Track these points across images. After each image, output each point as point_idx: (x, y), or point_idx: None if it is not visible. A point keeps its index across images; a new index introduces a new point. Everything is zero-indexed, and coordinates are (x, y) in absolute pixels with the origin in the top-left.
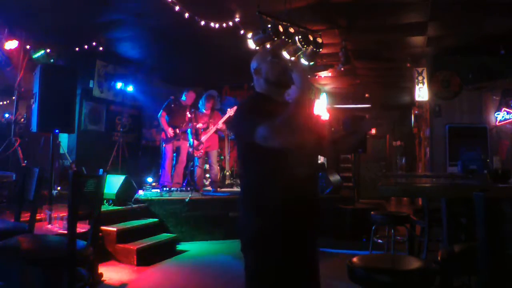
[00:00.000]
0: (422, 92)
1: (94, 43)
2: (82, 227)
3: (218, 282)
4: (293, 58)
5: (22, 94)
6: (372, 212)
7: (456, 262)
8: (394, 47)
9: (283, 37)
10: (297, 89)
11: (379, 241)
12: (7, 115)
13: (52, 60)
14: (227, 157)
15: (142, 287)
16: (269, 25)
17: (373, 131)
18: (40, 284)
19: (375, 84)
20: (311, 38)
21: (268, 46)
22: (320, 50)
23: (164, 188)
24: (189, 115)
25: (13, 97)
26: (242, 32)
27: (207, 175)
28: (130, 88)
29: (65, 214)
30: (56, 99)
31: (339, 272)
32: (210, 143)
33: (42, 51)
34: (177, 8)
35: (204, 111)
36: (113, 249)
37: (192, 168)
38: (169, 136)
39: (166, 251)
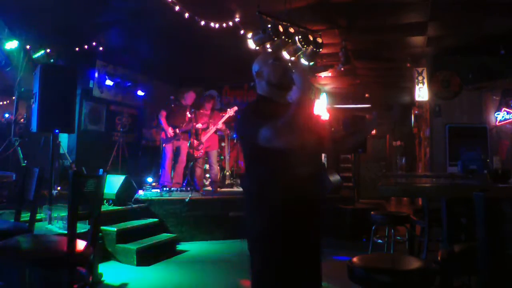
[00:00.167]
0: (422, 92)
1: (94, 43)
2: (82, 227)
3: (218, 282)
4: (293, 58)
5: (22, 94)
6: (372, 212)
7: (456, 262)
8: (394, 47)
9: (283, 37)
10: (298, 90)
11: (379, 241)
12: (7, 115)
13: (52, 60)
14: (227, 157)
15: (142, 287)
16: (269, 25)
17: (374, 131)
18: (40, 284)
19: (375, 84)
20: (311, 38)
21: (268, 46)
22: (320, 50)
23: (164, 188)
24: (189, 115)
25: (13, 97)
26: (242, 32)
27: (207, 175)
28: (130, 88)
29: (65, 214)
30: (56, 99)
31: (339, 272)
32: (210, 143)
33: (42, 51)
34: (177, 8)
35: (204, 111)
36: (113, 249)
37: (194, 168)
38: (169, 136)
39: (166, 251)
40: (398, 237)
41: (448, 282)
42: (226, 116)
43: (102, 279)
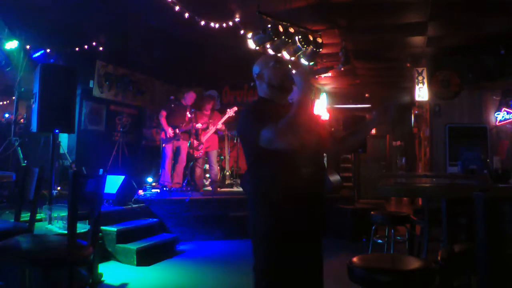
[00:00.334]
0: (422, 92)
1: (94, 43)
2: (82, 227)
3: (218, 282)
4: (293, 58)
5: (22, 94)
6: (372, 212)
7: (456, 262)
8: (394, 47)
9: (283, 37)
10: (298, 91)
11: (379, 241)
12: (7, 115)
13: (52, 60)
14: (227, 157)
15: (142, 287)
16: (269, 25)
17: (373, 130)
18: (40, 284)
19: (375, 84)
20: (311, 38)
21: (268, 46)
22: (320, 50)
23: (164, 188)
24: (189, 115)
25: (13, 97)
26: (242, 32)
27: (207, 175)
28: (130, 88)
29: (65, 214)
30: (56, 99)
31: (339, 272)
32: (210, 143)
33: (42, 51)
34: (177, 8)
35: (204, 111)
36: (113, 249)
37: (194, 168)
38: (168, 136)
39: (166, 251)
40: (398, 237)
41: (448, 282)
42: (226, 116)
43: (102, 279)
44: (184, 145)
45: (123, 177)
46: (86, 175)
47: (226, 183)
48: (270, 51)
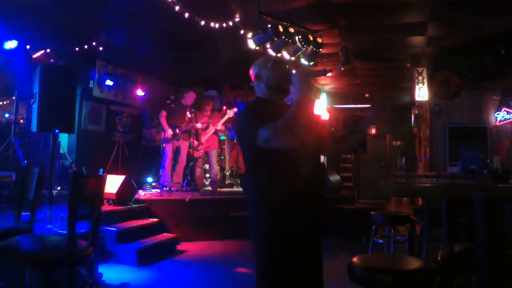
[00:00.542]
0: (422, 92)
1: (94, 43)
2: (82, 227)
3: (218, 282)
4: (293, 58)
5: (22, 94)
6: (372, 212)
7: (456, 262)
8: (394, 47)
9: (283, 37)
10: (297, 92)
11: (379, 241)
12: (7, 115)
13: (52, 60)
14: (227, 157)
15: (142, 287)
16: (269, 25)
17: (373, 130)
18: (40, 284)
19: (375, 84)
20: (311, 38)
21: (268, 46)
22: (320, 50)
23: (164, 188)
24: (189, 115)
25: (13, 97)
26: (242, 32)
27: (207, 175)
28: (130, 88)
29: (65, 214)
30: (56, 99)
31: (339, 272)
32: (209, 143)
33: (42, 51)
34: (177, 8)
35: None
36: (113, 249)
37: (194, 168)
38: (167, 137)
39: (166, 251)
40: (398, 237)
41: (448, 282)
42: (226, 117)
43: (102, 279)
44: (184, 145)
45: (123, 177)
46: (86, 175)
47: (226, 183)
48: (270, 51)
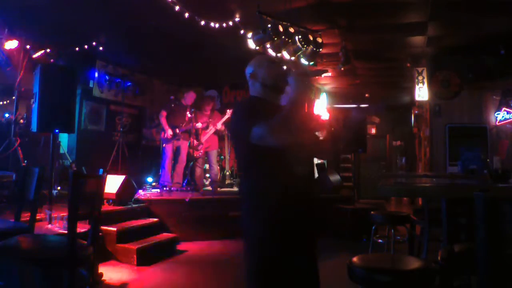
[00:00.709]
0: (422, 92)
1: (94, 43)
2: (82, 227)
3: (218, 282)
4: (293, 58)
5: (22, 94)
6: (372, 212)
7: (456, 262)
8: (394, 47)
9: (283, 37)
10: (292, 91)
11: (379, 241)
12: (7, 115)
13: (52, 60)
14: (227, 157)
15: (142, 287)
16: (269, 25)
17: (373, 130)
18: (40, 284)
19: (375, 84)
20: (311, 38)
21: (268, 46)
22: (320, 50)
23: (164, 188)
24: (189, 115)
25: (13, 97)
26: (242, 32)
27: (207, 175)
28: (130, 88)
29: (65, 214)
30: (56, 99)
31: (339, 272)
32: (209, 143)
33: (42, 51)
34: (177, 8)
35: (204, 112)
36: (113, 249)
37: (194, 168)
38: (167, 137)
39: (166, 251)
40: (398, 237)
41: (448, 282)
42: (226, 117)
43: (102, 279)
44: (184, 145)
45: (123, 177)
46: (86, 175)
47: (226, 183)
48: (270, 51)
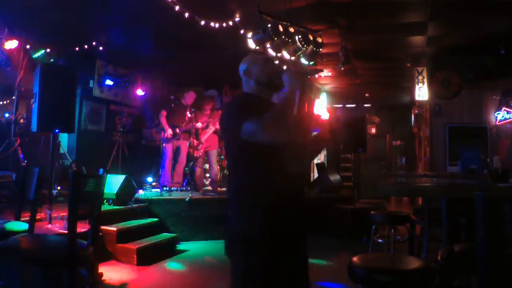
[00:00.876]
0: (422, 92)
1: (94, 43)
2: (82, 227)
3: (218, 282)
4: (293, 58)
5: (22, 94)
6: (372, 212)
7: (456, 261)
8: (394, 46)
9: (283, 36)
10: (286, 89)
11: (379, 240)
12: (7, 115)
13: (52, 60)
14: None
15: (142, 286)
16: (269, 25)
17: (373, 130)
18: (40, 284)
19: (375, 84)
20: (311, 38)
21: (268, 46)
22: (320, 49)
23: (164, 188)
24: (189, 115)
25: (13, 97)
26: (242, 31)
27: (207, 175)
28: (130, 88)
29: (65, 213)
30: (56, 99)
31: (339, 272)
32: (209, 143)
33: (42, 51)
34: (177, 8)
35: (204, 111)
36: (113, 248)
37: (194, 168)
38: (167, 136)
39: (166, 250)
40: (398, 237)
41: (448, 281)
42: None
43: (102, 278)
44: (184, 145)
45: (123, 176)
46: (86, 174)
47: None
48: (270, 51)
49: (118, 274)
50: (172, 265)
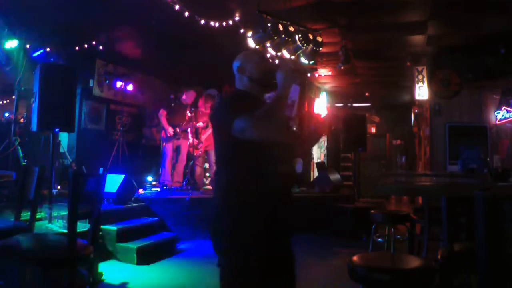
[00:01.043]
0: (422, 91)
1: (94, 42)
2: (82, 226)
3: (218, 281)
4: (293, 57)
5: (22, 94)
6: (372, 211)
7: (456, 261)
8: (394, 46)
9: (283, 36)
10: (279, 87)
11: (379, 240)
12: (7, 115)
13: (52, 59)
14: None
15: (142, 286)
16: (269, 24)
17: (373, 129)
18: (40, 283)
19: (375, 83)
20: (311, 37)
21: (268, 45)
22: (320, 49)
23: (164, 187)
24: (189, 114)
25: (13, 97)
26: (242, 31)
27: (207, 174)
28: (130, 87)
29: (65, 213)
30: (56, 98)
31: (339, 271)
32: (209, 142)
33: (42, 50)
34: (177, 7)
35: (204, 110)
36: (113, 248)
37: (194, 167)
38: (168, 135)
39: (166, 250)
40: (398, 236)
41: (448, 281)
42: None
43: (102, 278)
44: (185, 144)
45: (123, 176)
46: (86, 174)
47: None
48: (270, 50)
49: (118, 274)
50: (172, 265)
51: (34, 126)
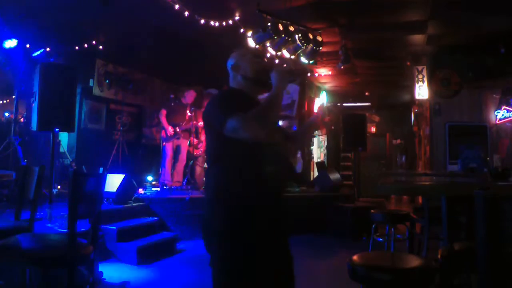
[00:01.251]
0: (422, 91)
1: (94, 42)
2: (82, 226)
3: None
4: (293, 57)
5: (22, 93)
6: (372, 211)
7: (456, 260)
8: (394, 45)
9: (283, 35)
10: (273, 87)
11: (379, 239)
12: (7, 114)
13: (52, 59)
14: None
15: (142, 285)
16: (269, 24)
17: (373, 129)
18: (40, 283)
19: (375, 82)
20: (311, 37)
21: (268, 45)
22: (320, 48)
23: (164, 187)
24: (189, 114)
25: (13, 96)
26: (242, 30)
27: None
28: (129, 87)
29: (65, 213)
30: (56, 98)
31: (339, 271)
32: None
33: (42, 50)
34: (177, 6)
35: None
36: (113, 247)
37: (194, 167)
38: (169, 135)
39: (166, 249)
40: (398, 235)
41: (448, 280)
42: None
43: (102, 277)
44: (184, 144)
45: (123, 175)
46: (86, 173)
47: None
48: (270, 50)
49: (118, 273)
50: (172, 264)
51: (34, 126)
